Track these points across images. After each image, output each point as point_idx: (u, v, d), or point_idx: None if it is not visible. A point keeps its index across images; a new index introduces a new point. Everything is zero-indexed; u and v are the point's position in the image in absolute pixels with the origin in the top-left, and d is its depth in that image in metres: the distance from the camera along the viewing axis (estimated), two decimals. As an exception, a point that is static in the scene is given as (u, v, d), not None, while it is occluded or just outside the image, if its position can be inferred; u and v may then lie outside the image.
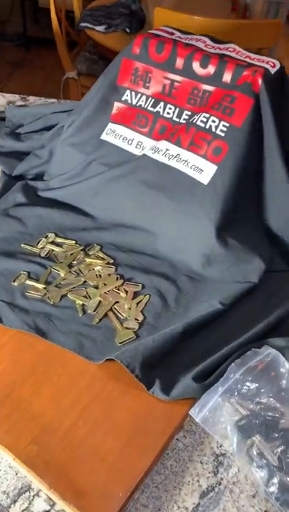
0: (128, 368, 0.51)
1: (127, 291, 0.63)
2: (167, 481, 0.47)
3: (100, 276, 0.65)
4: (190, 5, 1.68)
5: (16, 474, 0.47)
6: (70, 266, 0.67)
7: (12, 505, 0.45)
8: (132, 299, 0.62)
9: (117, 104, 0.72)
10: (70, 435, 0.48)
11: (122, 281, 0.64)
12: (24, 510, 0.45)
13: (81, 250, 0.69)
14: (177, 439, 0.50)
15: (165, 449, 0.49)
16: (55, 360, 0.55)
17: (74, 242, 0.70)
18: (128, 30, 1.73)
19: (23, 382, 0.52)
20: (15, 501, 0.45)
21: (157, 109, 0.69)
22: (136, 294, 0.63)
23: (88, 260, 0.67)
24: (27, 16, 3.02)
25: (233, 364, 0.51)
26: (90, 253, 0.68)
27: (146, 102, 0.70)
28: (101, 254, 0.68)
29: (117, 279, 0.65)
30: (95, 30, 1.73)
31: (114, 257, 0.68)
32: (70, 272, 0.65)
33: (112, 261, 0.67)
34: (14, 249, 0.68)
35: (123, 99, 0.71)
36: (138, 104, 0.70)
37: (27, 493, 0.46)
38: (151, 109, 0.69)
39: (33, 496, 0.46)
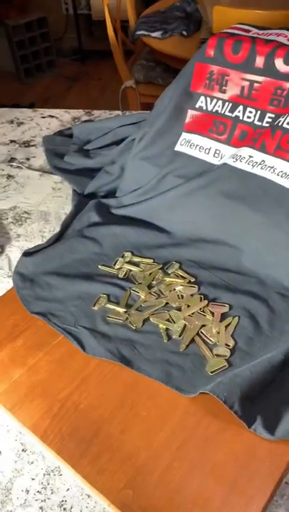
0: (226, 404, 0.46)
1: (213, 313, 0.59)
2: (279, 534, 0.42)
3: (182, 296, 0.61)
4: (249, -1, 1.61)
5: (112, 521, 0.43)
6: (150, 286, 0.63)
7: None
8: (220, 321, 0.58)
9: (191, 112, 0.67)
10: (167, 478, 0.44)
11: (206, 301, 0.60)
12: None
13: (159, 269, 0.65)
14: (286, 482, 0.45)
15: (274, 496, 0.44)
16: (142, 392, 0.51)
17: (151, 260, 0.66)
18: (185, 33, 1.69)
19: (112, 418, 0.49)
20: None
21: (236, 113, 0.64)
22: (223, 316, 0.58)
23: (168, 280, 0.63)
24: (81, 30, 3.08)
25: None
26: (169, 271, 0.64)
27: (223, 107, 0.65)
28: (181, 273, 0.64)
29: (200, 299, 0.60)
30: (151, 37, 1.71)
31: (195, 275, 0.63)
32: (150, 293, 0.62)
33: (193, 279, 0.63)
34: (91, 271, 0.65)
35: (197, 106, 0.67)
36: (214, 110, 0.65)
37: None
38: (229, 114, 0.64)
39: None
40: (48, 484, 0.46)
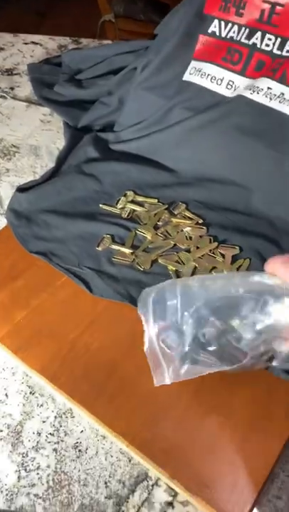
0: (246, 344, 0.45)
1: (223, 255, 0.56)
2: (299, 469, 0.42)
3: (191, 238, 0.58)
4: None
5: (130, 461, 0.42)
6: (156, 227, 0.60)
7: (131, 496, 0.40)
8: (231, 263, 0.56)
9: (202, 38, 0.61)
10: (186, 419, 0.43)
11: (216, 243, 0.57)
12: (144, 501, 0.40)
13: (165, 209, 0.61)
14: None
15: (292, 434, 0.44)
16: (154, 334, 0.49)
17: (156, 200, 0.63)
18: None
19: (125, 359, 0.47)
20: (133, 491, 0.41)
21: (253, 40, 0.58)
22: (234, 258, 0.56)
23: (175, 221, 0.60)
24: None
25: None
26: (176, 212, 0.61)
27: (238, 34, 0.59)
28: (188, 214, 0.61)
29: (210, 241, 0.58)
30: None
31: (203, 216, 0.60)
32: (156, 234, 0.59)
33: (201, 221, 0.60)
34: (92, 210, 0.61)
35: (210, 31, 0.61)
36: (228, 37, 0.60)
37: (144, 482, 0.41)
38: (246, 41, 0.59)
39: (152, 486, 0.41)
40: (61, 426, 0.44)
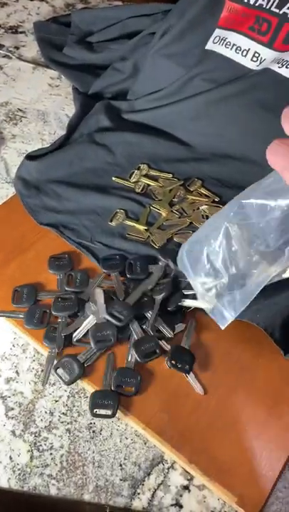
0: (266, 331, 0.44)
1: (240, 236, 0.55)
2: (314, 456, 0.42)
3: (207, 217, 0.56)
4: None
5: (145, 444, 0.42)
6: (171, 204, 0.57)
7: (146, 479, 0.40)
8: (248, 244, 0.54)
9: (229, 4, 0.58)
10: (204, 403, 0.43)
11: (233, 223, 0.55)
12: (160, 484, 0.40)
13: (180, 185, 0.59)
14: None
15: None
16: (170, 315, 0.48)
17: (171, 175, 0.60)
18: None
19: (141, 340, 0.46)
20: (149, 474, 0.40)
21: (284, 10, 0.55)
22: (251, 239, 0.54)
23: (191, 198, 0.58)
24: None
25: None
26: (191, 189, 0.59)
27: (268, 2, 0.56)
28: (204, 191, 0.59)
29: (227, 220, 0.56)
30: None
31: (220, 194, 0.58)
32: (172, 211, 0.57)
33: (217, 199, 0.58)
34: (105, 182, 0.58)
35: (238, -4, 0.57)
36: (258, 4, 0.57)
37: (160, 466, 0.41)
38: (276, 10, 0.55)
39: (168, 469, 0.40)
40: (74, 406, 0.43)
